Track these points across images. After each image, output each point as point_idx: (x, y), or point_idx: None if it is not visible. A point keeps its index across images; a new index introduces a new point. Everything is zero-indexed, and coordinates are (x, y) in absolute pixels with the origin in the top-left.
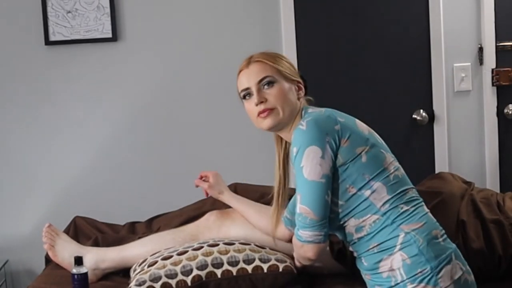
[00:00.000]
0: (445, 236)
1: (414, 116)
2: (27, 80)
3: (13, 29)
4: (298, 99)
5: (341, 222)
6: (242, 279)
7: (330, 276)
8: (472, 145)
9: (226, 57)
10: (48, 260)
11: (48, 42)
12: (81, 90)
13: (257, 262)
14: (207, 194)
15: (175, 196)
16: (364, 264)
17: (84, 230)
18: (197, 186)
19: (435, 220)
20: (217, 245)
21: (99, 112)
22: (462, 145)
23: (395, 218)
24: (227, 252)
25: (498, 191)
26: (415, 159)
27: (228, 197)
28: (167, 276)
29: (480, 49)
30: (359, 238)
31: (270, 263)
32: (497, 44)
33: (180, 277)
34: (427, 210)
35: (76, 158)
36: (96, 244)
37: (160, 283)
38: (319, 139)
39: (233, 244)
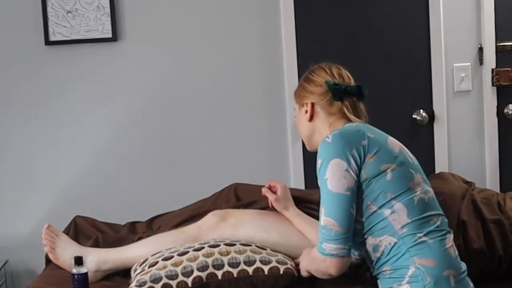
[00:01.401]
0: (461, 277)
1: (414, 116)
2: (27, 80)
3: (13, 29)
4: (311, 120)
5: (361, 239)
6: (242, 281)
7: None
8: (472, 145)
9: (226, 57)
10: (48, 260)
11: (48, 42)
12: (81, 90)
13: (258, 264)
14: (271, 204)
15: (175, 196)
16: (379, 285)
17: (84, 230)
18: (263, 194)
19: (454, 257)
20: (218, 246)
21: (99, 112)
22: (462, 145)
23: (410, 247)
24: (228, 253)
25: (498, 191)
26: None
27: (292, 215)
28: (167, 277)
29: (480, 49)
30: (377, 258)
31: (271, 265)
32: (497, 44)
33: (180, 278)
34: (448, 244)
35: (76, 158)
36: (96, 244)
37: (160, 284)
38: (343, 152)
39: (234, 245)
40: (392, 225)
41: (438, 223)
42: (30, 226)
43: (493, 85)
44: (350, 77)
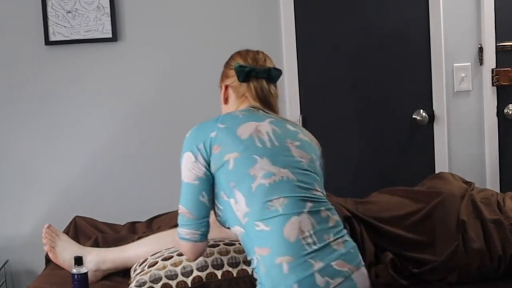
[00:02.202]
0: (301, 261)
1: (414, 116)
2: (27, 80)
3: (13, 29)
4: (225, 102)
5: (227, 227)
6: (242, 280)
7: None
8: (472, 145)
9: (226, 57)
10: (48, 260)
11: (48, 42)
12: (81, 90)
13: None
14: None
15: (175, 196)
16: None
17: (84, 230)
18: None
19: (295, 241)
20: (218, 245)
21: (99, 112)
22: (462, 145)
23: (252, 236)
24: (227, 252)
25: (498, 191)
26: (415, 159)
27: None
28: (167, 277)
29: (480, 49)
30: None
31: None
32: (497, 44)
33: (180, 278)
34: (290, 228)
35: (76, 158)
36: (96, 244)
37: (160, 284)
38: (192, 146)
39: (234, 244)
40: (236, 215)
41: (281, 207)
42: (30, 226)
43: (493, 85)
44: (268, 61)
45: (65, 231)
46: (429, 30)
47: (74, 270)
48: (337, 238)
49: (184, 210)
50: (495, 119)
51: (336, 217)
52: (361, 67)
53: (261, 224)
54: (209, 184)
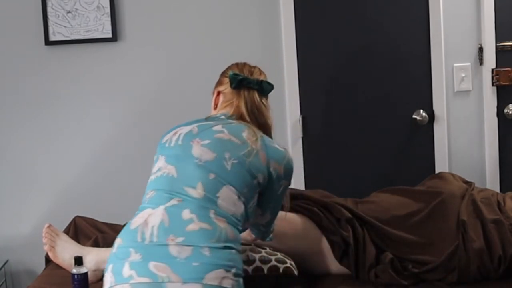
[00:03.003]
0: (123, 247)
1: (414, 116)
2: (27, 80)
3: (13, 29)
4: (215, 108)
5: None
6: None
7: (330, 276)
8: (472, 145)
9: (226, 57)
10: (48, 260)
11: (48, 42)
12: (81, 90)
13: (257, 263)
14: None
15: None
16: None
17: (84, 230)
18: None
19: (133, 228)
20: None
21: (99, 112)
22: (462, 145)
23: None
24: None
25: (498, 191)
26: (415, 159)
27: None
28: None
29: (480, 49)
30: None
31: (270, 264)
32: (497, 44)
33: None
34: (138, 215)
35: (76, 158)
36: (96, 244)
37: None
38: (157, 150)
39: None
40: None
41: (148, 199)
42: (30, 226)
43: (493, 85)
44: (262, 75)
45: (65, 231)
46: (429, 30)
47: (74, 270)
48: (185, 244)
49: None
50: (495, 119)
51: (205, 225)
52: (361, 67)
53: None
54: None
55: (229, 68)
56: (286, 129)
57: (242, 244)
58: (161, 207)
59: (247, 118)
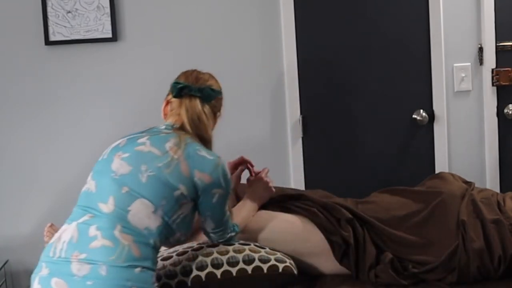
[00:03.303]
0: (40, 262)
1: (414, 116)
2: (27, 80)
3: (13, 29)
4: (164, 117)
5: None
6: (241, 280)
7: (330, 276)
8: (472, 145)
9: (225, 57)
10: None
11: (48, 42)
12: (81, 90)
13: (256, 262)
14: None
15: None
16: None
17: None
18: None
19: (50, 242)
20: (217, 245)
21: (99, 112)
22: (462, 145)
23: None
24: (226, 252)
25: (498, 191)
26: (415, 159)
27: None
28: (166, 276)
29: (480, 49)
30: None
31: (270, 263)
32: (497, 44)
33: (179, 277)
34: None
35: (76, 158)
36: None
37: (159, 283)
38: None
39: (233, 244)
40: None
41: (71, 215)
42: (30, 226)
43: (493, 85)
44: (210, 82)
45: None
46: (429, 30)
47: None
48: (86, 261)
49: None
50: (495, 119)
51: (108, 242)
52: (361, 67)
53: None
54: None
55: (177, 76)
56: (286, 129)
57: (241, 244)
58: (74, 223)
59: (188, 128)
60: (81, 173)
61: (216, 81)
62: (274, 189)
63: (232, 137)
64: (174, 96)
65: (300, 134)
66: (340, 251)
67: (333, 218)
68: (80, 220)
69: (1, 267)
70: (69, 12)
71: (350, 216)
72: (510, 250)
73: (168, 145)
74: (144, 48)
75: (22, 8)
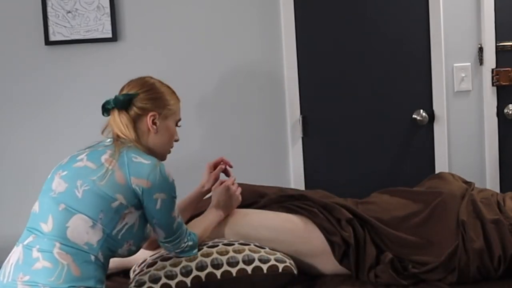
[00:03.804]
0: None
1: (414, 116)
2: (27, 80)
3: (13, 29)
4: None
5: None
6: (241, 280)
7: (330, 276)
8: (472, 145)
9: (226, 57)
10: None
11: (48, 42)
12: (81, 90)
13: (256, 263)
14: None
15: None
16: None
17: None
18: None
19: (1, 273)
20: (217, 245)
21: (99, 112)
22: (462, 145)
23: None
24: (226, 252)
25: (498, 191)
26: (415, 159)
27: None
28: (166, 277)
29: (480, 49)
30: None
31: (270, 263)
32: (497, 44)
33: (179, 278)
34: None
35: None
36: None
37: (159, 284)
38: None
39: (233, 244)
40: None
41: (21, 237)
42: None
43: (493, 85)
44: (125, 89)
45: None
46: (429, 30)
47: None
48: (30, 284)
49: None
50: (495, 119)
51: (47, 263)
52: (361, 67)
53: None
54: None
55: None
56: (286, 129)
57: (241, 244)
58: (21, 245)
59: (123, 138)
60: None
61: (136, 84)
62: (241, 198)
63: (232, 137)
64: (104, 115)
65: (300, 134)
66: (340, 251)
67: (333, 218)
68: (25, 242)
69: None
70: (69, 12)
71: (350, 216)
72: (510, 250)
73: (104, 157)
74: (144, 48)
75: (22, 8)
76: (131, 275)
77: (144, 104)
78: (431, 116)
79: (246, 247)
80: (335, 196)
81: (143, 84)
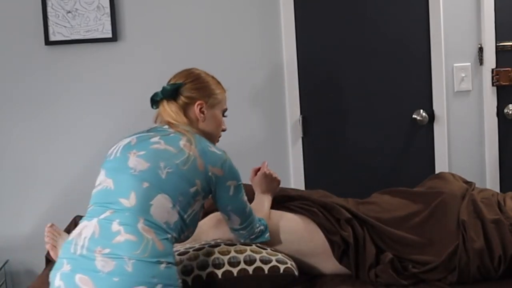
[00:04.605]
0: (59, 258)
1: (414, 116)
2: (27, 80)
3: (13, 29)
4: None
5: None
6: (242, 280)
7: (330, 276)
8: (472, 145)
9: (225, 57)
10: (48, 260)
11: (48, 42)
12: (81, 90)
13: (258, 263)
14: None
15: None
16: None
17: None
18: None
19: (69, 239)
20: (219, 245)
21: (99, 112)
22: (462, 145)
23: None
24: (228, 252)
25: (498, 191)
26: (415, 159)
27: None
28: None
29: (480, 49)
30: None
31: (271, 264)
32: (497, 44)
33: (180, 276)
34: (76, 228)
35: (76, 158)
36: None
37: None
38: None
39: (234, 244)
40: None
41: (88, 214)
42: (30, 226)
43: (493, 85)
44: (172, 80)
45: (65, 231)
46: (429, 30)
47: None
48: (111, 257)
49: None
50: (495, 119)
51: (131, 236)
52: (361, 67)
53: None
54: None
55: None
56: (286, 129)
57: (243, 244)
58: (95, 219)
59: (175, 127)
60: (81, 173)
61: (182, 75)
62: (279, 177)
63: (232, 137)
64: (154, 108)
65: (300, 134)
66: (340, 250)
67: (332, 218)
68: (102, 216)
69: (1, 267)
70: (69, 12)
71: (349, 216)
72: (510, 250)
73: (182, 143)
74: (144, 48)
75: (22, 8)
76: None
77: (191, 93)
78: (431, 116)
79: (248, 247)
80: (335, 196)
81: (189, 74)
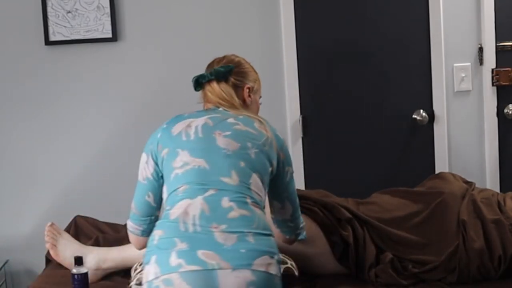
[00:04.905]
0: (165, 237)
1: (414, 116)
2: (27, 80)
3: (13, 29)
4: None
5: None
6: None
7: (331, 276)
8: (472, 145)
9: None
10: (48, 260)
11: (48, 42)
12: (81, 90)
13: None
14: None
15: None
16: None
17: (84, 230)
18: None
19: (172, 218)
20: None
21: (99, 111)
22: (462, 145)
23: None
24: None
25: (498, 191)
26: (415, 159)
27: None
28: None
29: (480, 49)
30: None
31: None
32: (497, 44)
33: None
34: (181, 210)
35: (76, 158)
36: (97, 244)
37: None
38: (147, 147)
39: None
40: (164, 206)
41: (182, 193)
42: (30, 226)
43: (493, 85)
44: (221, 62)
45: (65, 231)
46: (429, 30)
47: (74, 270)
48: (230, 232)
49: (132, 206)
50: (495, 119)
51: (245, 211)
52: (361, 67)
53: (169, 209)
54: (157, 185)
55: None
56: (286, 129)
57: None
58: (199, 197)
59: (233, 109)
60: (81, 173)
61: (227, 61)
62: None
63: None
64: (196, 90)
65: (300, 134)
66: (340, 250)
67: (333, 217)
68: (206, 194)
69: (1, 267)
70: (69, 12)
71: (349, 216)
72: (510, 250)
73: (256, 124)
74: (144, 48)
75: (22, 8)
76: (132, 273)
77: (240, 76)
78: (431, 116)
79: None
80: (335, 196)
81: (231, 60)
